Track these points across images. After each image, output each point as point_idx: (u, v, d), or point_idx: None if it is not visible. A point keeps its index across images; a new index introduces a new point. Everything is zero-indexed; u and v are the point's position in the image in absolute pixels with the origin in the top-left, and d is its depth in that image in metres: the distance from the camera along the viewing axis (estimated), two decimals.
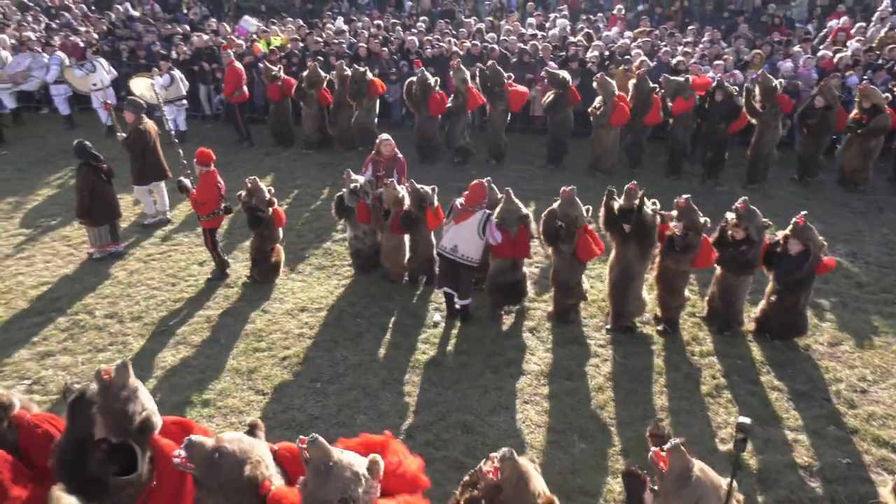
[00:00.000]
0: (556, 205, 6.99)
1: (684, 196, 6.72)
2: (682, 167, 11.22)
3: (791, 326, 6.89)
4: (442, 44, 13.60)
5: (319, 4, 20.02)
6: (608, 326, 7.17)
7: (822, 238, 6.70)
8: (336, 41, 14.08)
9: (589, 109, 11.01)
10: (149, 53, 14.14)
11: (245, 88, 12.47)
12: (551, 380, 6.43)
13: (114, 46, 14.41)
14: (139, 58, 14.04)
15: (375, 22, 16.68)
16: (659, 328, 7.16)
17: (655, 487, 3.55)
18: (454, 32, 15.22)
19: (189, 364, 6.67)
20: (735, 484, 3.45)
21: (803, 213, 6.65)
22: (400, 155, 8.70)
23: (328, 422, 5.89)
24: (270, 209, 7.81)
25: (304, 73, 12.02)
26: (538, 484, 3.45)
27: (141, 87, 11.80)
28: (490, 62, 11.60)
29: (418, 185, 7.63)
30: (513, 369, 6.58)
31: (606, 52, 13.11)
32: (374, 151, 8.71)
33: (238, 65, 12.39)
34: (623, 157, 11.42)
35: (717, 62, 12.17)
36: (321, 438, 3.24)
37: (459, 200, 7.04)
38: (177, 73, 12.75)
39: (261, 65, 12.53)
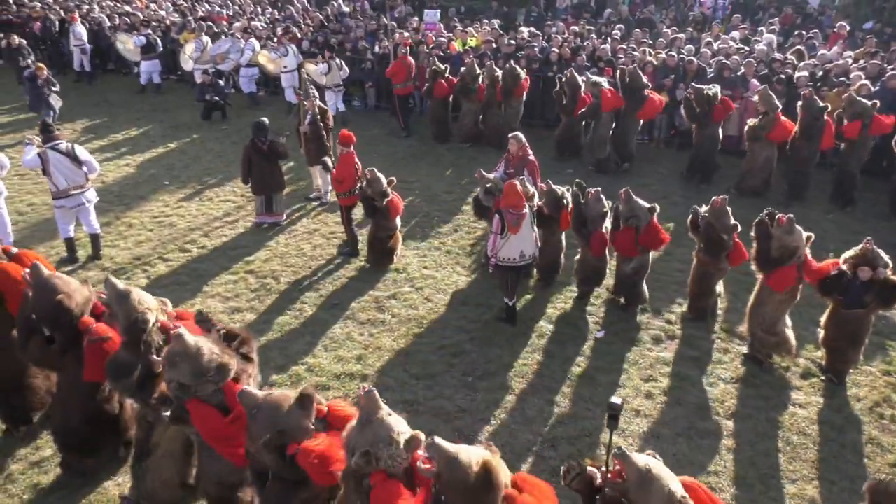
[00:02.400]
0: (707, 215, 6.97)
1: (866, 238, 6.16)
2: (852, 200, 10.20)
3: None
4: (636, 53, 13.21)
5: (516, 8, 20.34)
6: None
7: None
8: (528, 44, 14.22)
9: (747, 125, 10.42)
10: (354, 47, 15.23)
11: (410, 82, 13.27)
12: (710, 416, 6.04)
13: (325, 39, 15.71)
14: (346, 50, 15.18)
15: (571, 28, 16.58)
16: (827, 376, 6.52)
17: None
18: (651, 42, 14.69)
19: (353, 338, 7.13)
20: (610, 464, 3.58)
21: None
22: (531, 156, 8.67)
23: (474, 416, 6.01)
24: (385, 200, 8.09)
25: (463, 70, 12.56)
26: (469, 455, 3.46)
27: (311, 71, 13.04)
28: (631, 67, 11.34)
29: (554, 186, 7.65)
30: (668, 398, 6.27)
31: (819, 73, 11.96)
32: (507, 150, 8.82)
33: (409, 59, 13.14)
34: (782, 185, 10.62)
35: None
36: (375, 392, 3.57)
37: (507, 209, 6.82)
38: (335, 62, 13.80)
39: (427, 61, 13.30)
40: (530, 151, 8.68)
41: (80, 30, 16.70)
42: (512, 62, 12.36)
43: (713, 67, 12.27)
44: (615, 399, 3.64)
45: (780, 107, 9.98)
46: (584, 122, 11.77)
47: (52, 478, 5.34)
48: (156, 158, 12.39)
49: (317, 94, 10.25)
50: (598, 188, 7.52)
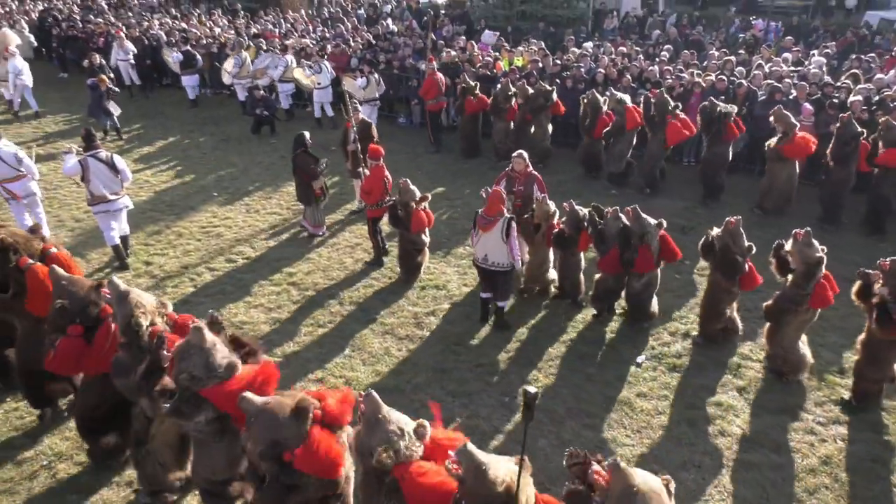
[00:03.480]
0: (720, 237, 6.88)
1: (889, 258, 5.93)
2: (884, 227, 9.94)
3: None
4: (684, 75, 13.04)
5: (563, 28, 20.35)
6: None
7: None
8: (575, 65, 14.20)
9: (767, 143, 10.32)
10: (402, 64, 15.44)
11: (444, 98, 13.62)
12: (754, 448, 5.86)
13: (374, 56, 15.98)
14: (393, 68, 15.40)
15: (619, 49, 16.51)
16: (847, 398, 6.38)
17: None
18: (701, 65, 14.50)
19: (392, 354, 7.16)
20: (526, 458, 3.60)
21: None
22: (534, 171, 8.73)
23: (509, 437, 5.95)
24: (408, 210, 8.13)
25: (498, 88, 12.73)
26: (497, 471, 3.52)
27: (349, 86, 13.34)
28: (659, 91, 11.27)
29: (577, 207, 7.76)
30: (712, 427, 6.11)
31: (875, 97, 11.62)
32: (509, 167, 8.80)
33: (439, 76, 13.35)
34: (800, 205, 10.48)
35: None
36: (374, 394, 3.72)
37: (481, 211, 7.27)
38: (374, 77, 14.08)
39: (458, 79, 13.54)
40: (531, 167, 8.77)
41: (129, 46, 17.30)
42: (541, 82, 12.55)
43: (764, 90, 12.04)
44: (530, 388, 3.47)
45: (798, 125, 9.95)
46: (609, 140, 11.78)
47: (82, 468, 5.51)
48: (206, 170, 12.74)
49: (359, 107, 10.47)
50: (617, 207, 7.51)
